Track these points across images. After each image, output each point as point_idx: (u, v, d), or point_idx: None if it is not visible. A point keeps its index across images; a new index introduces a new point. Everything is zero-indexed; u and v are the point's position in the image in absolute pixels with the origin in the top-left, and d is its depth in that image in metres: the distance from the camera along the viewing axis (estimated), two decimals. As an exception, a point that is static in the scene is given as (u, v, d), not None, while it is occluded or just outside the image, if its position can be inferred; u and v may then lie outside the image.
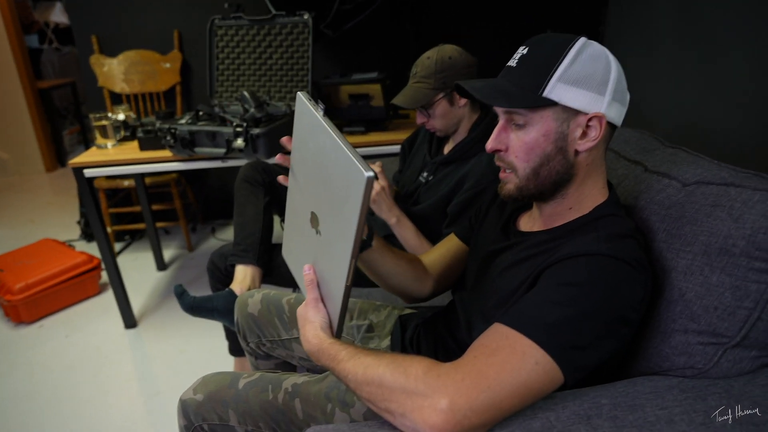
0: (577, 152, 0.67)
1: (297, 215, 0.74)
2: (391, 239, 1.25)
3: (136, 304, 2.04)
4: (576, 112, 0.65)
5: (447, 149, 1.27)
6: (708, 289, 0.63)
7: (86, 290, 2.12)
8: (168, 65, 2.40)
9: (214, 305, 1.22)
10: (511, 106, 0.66)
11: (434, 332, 0.89)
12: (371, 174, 0.54)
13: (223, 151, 1.57)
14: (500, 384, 0.54)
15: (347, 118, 1.84)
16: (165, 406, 1.53)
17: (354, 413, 0.80)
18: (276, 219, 1.47)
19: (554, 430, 0.58)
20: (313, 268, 0.70)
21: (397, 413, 0.56)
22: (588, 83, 0.64)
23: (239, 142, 1.53)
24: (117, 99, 2.46)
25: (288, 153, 0.76)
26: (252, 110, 1.59)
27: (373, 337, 1.00)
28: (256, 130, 1.52)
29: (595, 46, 0.66)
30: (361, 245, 0.77)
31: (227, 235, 2.66)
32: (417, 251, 1.19)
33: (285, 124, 1.62)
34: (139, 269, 2.36)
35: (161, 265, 2.35)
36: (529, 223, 0.78)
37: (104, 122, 1.78)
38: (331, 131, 0.61)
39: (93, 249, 2.48)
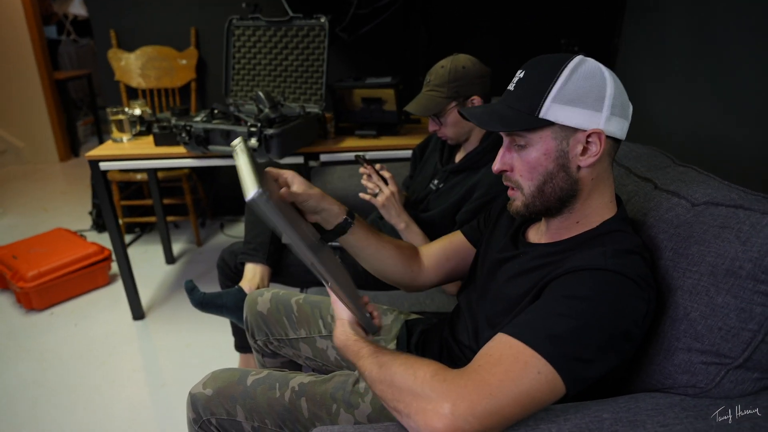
0: (579, 168, 0.68)
1: None
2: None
3: (145, 296, 2.07)
4: (575, 130, 0.67)
5: (458, 158, 1.28)
6: (713, 310, 0.64)
7: (96, 280, 2.16)
8: (184, 62, 2.43)
9: (224, 302, 1.24)
10: (507, 130, 0.69)
11: (439, 338, 0.90)
12: (252, 195, 0.56)
13: (236, 149, 1.60)
14: (502, 392, 0.55)
15: (359, 121, 1.86)
16: (170, 398, 1.56)
17: (358, 414, 0.82)
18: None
19: (556, 441, 0.59)
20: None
21: (403, 413, 0.58)
22: (583, 101, 0.66)
23: (253, 141, 1.55)
24: (132, 93, 2.50)
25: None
26: (266, 110, 1.62)
27: (378, 341, 1.01)
28: (269, 131, 1.54)
29: (590, 64, 0.67)
30: (338, 230, 0.81)
31: (235, 231, 2.68)
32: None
33: (298, 125, 1.64)
34: (148, 262, 2.39)
35: (170, 259, 2.38)
36: (538, 234, 0.80)
37: (121, 117, 1.81)
38: (246, 156, 0.64)
39: (103, 240, 2.52)
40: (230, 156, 1.65)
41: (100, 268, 2.15)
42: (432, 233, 1.23)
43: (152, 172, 2.19)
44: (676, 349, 0.67)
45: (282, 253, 1.39)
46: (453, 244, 0.95)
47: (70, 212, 2.99)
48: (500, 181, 0.76)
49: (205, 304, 1.24)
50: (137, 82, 2.45)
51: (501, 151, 0.72)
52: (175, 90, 2.47)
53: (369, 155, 1.28)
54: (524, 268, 0.73)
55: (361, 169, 1.22)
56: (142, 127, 1.88)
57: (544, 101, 0.66)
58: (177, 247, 2.52)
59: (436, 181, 1.29)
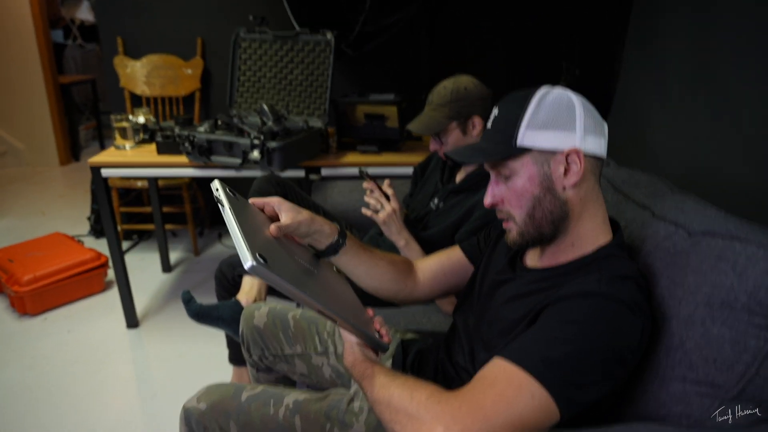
0: (565, 189, 0.70)
1: None
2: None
3: (140, 304, 2.06)
4: (553, 152, 0.69)
5: (459, 178, 1.29)
6: (708, 340, 0.64)
7: (91, 287, 2.15)
8: (189, 71, 2.45)
9: (220, 314, 1.23)
10: (486, 161, 0.73)
11: (435, 359, 0.90)
12: (248, 266, 0.58)
13: (238, 161, 1.61)
14: (496, 414, 0.56)
15: (361, 136, 1.87)
16: (161, 409, 1.54)
17: (352, 435, 0.81)
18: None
19: (550, 469, 0.59)
20: None
21: None
22: (555, 123, 0.69)
23: (255, 154, 1.56)
24: (136, 100, 2.51)
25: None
26: (270, 123, 1.63)
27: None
28: (272, 144, 1.55)
29: (556, 91, 0.71)
30: (329, 251, 0.82)
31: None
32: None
33: (301, 139, 1.65)
34: (144, 269, 2.39)
35: (167, 267, 2.37)
36: (534, 258, 0.80)
37: (124, 124, 1.82)
38: (233, 219, 0.64)
39: (100, 245, 2.51)
40: (232, 167, 1.66)
41: (97, 275, 2.14)
42: (430, 252, 1.23)
43: (153, 179, 2.20)
44: (671, 378, 0.67)
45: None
46: (451, 260, 0.96)
47: (68, 216, 2.98)
48: None
49: (201, 315, 1.23)
50: (142, 89, 2.47)
51: (489, 186, 0.75)
52: (180, 99, 2.49)
53: (370, 171, 1.29)
54: (521, 291, 0.74)
55: (365, 184, 1.23)
56: (146, 135, 1.89)
57: (518, 130, 0.69)
58: (174, 256, 2.52)
59: (436, 200, 1.30)
